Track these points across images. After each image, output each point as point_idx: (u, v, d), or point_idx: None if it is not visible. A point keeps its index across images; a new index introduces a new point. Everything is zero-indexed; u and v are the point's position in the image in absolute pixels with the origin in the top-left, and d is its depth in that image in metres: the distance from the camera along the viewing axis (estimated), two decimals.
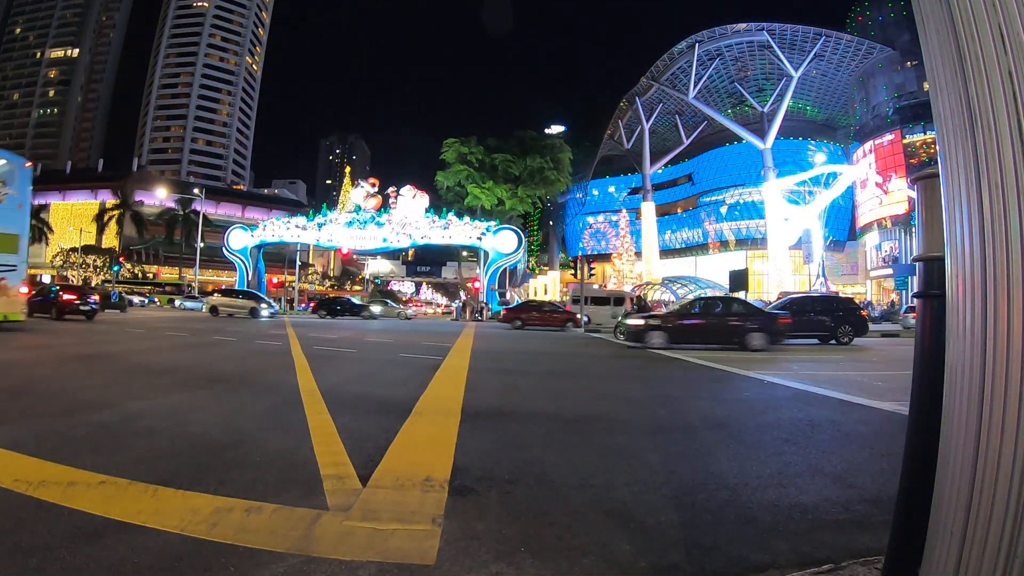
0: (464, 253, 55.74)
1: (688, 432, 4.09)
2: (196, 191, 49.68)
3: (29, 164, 12.19)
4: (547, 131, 47.67)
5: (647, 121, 50.57)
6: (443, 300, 73.65)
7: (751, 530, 2.24)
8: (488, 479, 2.81)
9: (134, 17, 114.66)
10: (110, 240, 53.98)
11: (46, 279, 51.53)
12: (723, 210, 54.18)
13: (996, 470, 1.13)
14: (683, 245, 58.99)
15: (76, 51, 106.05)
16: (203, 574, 1.78)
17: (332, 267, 68.58)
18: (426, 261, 62.89)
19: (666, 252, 56.28)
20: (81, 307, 17.51)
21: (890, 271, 42.79)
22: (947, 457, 1.28)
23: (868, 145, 44.85)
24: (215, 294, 29.21)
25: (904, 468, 1.55)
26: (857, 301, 27.37)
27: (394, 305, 35.13)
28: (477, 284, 37.82)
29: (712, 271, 50.28)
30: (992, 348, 1.15)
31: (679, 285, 40.58)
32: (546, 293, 66.27)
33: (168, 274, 55.34)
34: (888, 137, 43.76)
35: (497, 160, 43.77)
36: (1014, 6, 1.10)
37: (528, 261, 54.81)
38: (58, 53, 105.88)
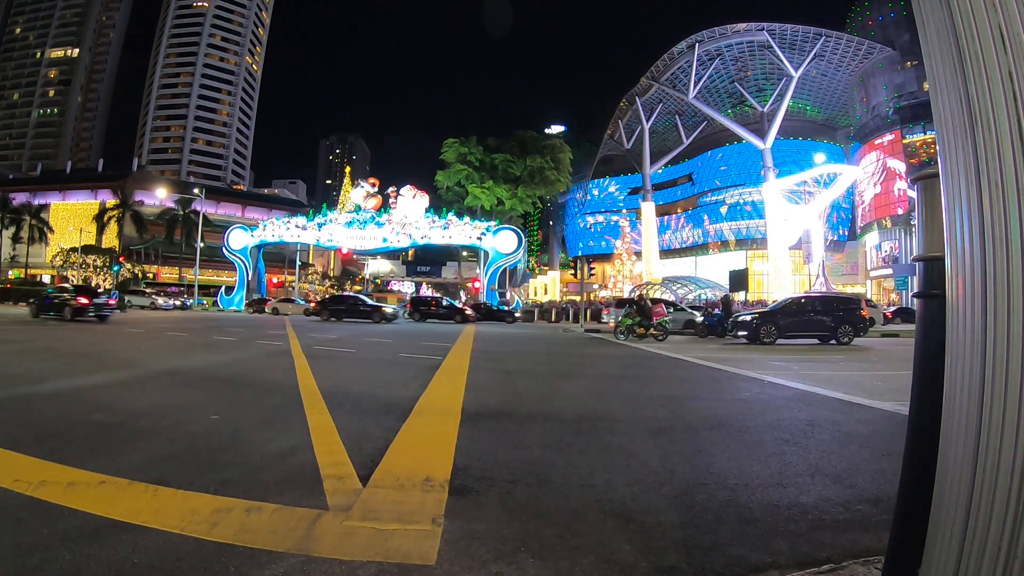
0: (464, 253, 55.69)
1: (688, 432, 4.09)
2: (196, 191, 49.64)
3: None
4: (547, 131, 47.62)
5: (647, 121, 50.51)
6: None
7: (751, 530, 2.24)
8: (488, 479, 2.81)
9: (134, 17, 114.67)
10: (110, 240, 53.88)
11: (46, 279, 51.65)
12: (723, 210, 54.14)
13: (996, 470, 1.12)
14: (683, 245, 58.94)
15: (76, 51, 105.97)
16: (203, 574, 1.78)
17: (332, 267, 68.56)
18: (426, 261, 62.79)
19: (666, 252, 56.21)
20: None
21: (890, 271, 42.77)
22: (947, 457, 1.28)
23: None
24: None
25: (904, 468, 1.55)
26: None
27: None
28: (477, 284, 37.81)
29: (712, 271, 50.23)
30: (992, 348, 1.15)
31: (679, 285, 40.56)
32: (546, 293, 66.26)
33: (168, 274, 55.33)
34: (888, 137, 43.74)
35: (497, 160, 43.75)
36: (1014, 6, 1.10)
37: (528, 261, 54.75)
38: (58, 53, 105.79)
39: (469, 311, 27.63)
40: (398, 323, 23.90)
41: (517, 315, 30.73)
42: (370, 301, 26.78)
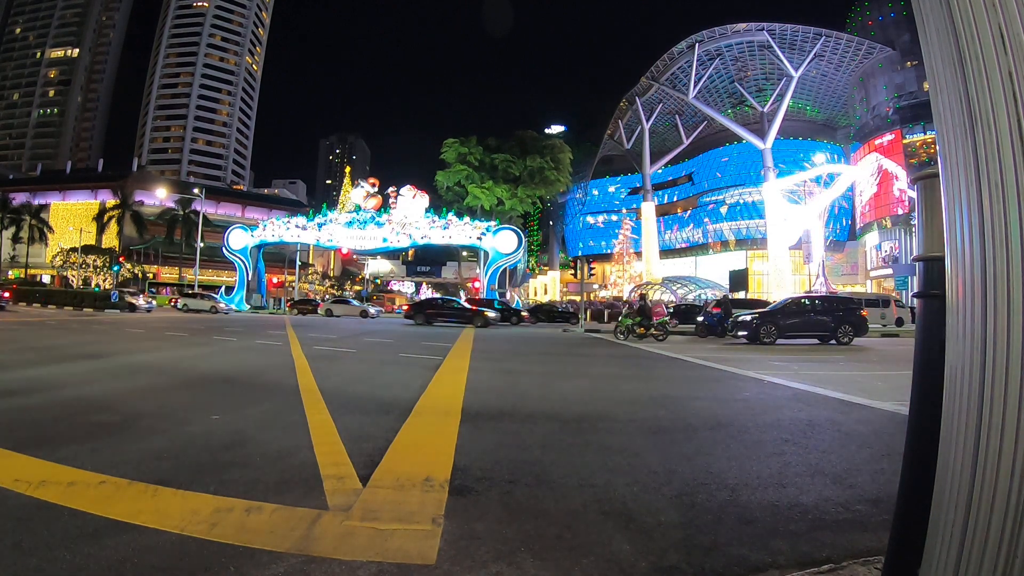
0: (464, 253, 55.72)
1: (688, 432, 4.09)
2: (196, 191, 49.64)
3: None
4: (547, 131, 47.72)
5: (647, 121, 50.53)
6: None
7: (751, 530, 2.24)
8: (488, 479, 2.81)
9: (134, 17, 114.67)
10: (110, 240, 53.88)
11: (46, 279, 51.65)
12: (723, 210, 54.15)
13: (996, 470, 1.12)
14: (683, 245, 58.98)
15: (76, 51, 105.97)
16: (203, 574, 1.78)
17: (332, 267, 68.57)
18: (426, 261, 62.85)
19: (666, 252, 56.23)
20: None
21: (890, 271, 42.77)
22: (947, 457, 1.28)
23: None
24: None
25: (904, 468, 1.55)
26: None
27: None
28: (477, 284, 37.83)
29: (712, 271, 50.25)
30: (992, 348, 1.15)
31: (679, 285, 40.59)
32: (546, 293, 66.33)
33: (168, 274, 55.32)
34: (888, 137, 43.75)
35: (497, 160, 43.78)
36: (1014, 6, 1.10)
37: (528, 261, 54.77)
38: (58, 53, 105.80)
39: (526, 313, 26.20)
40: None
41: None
42: (470, 304, 24.91)
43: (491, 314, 22.63)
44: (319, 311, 31.29)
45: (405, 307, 28.92)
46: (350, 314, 29.65)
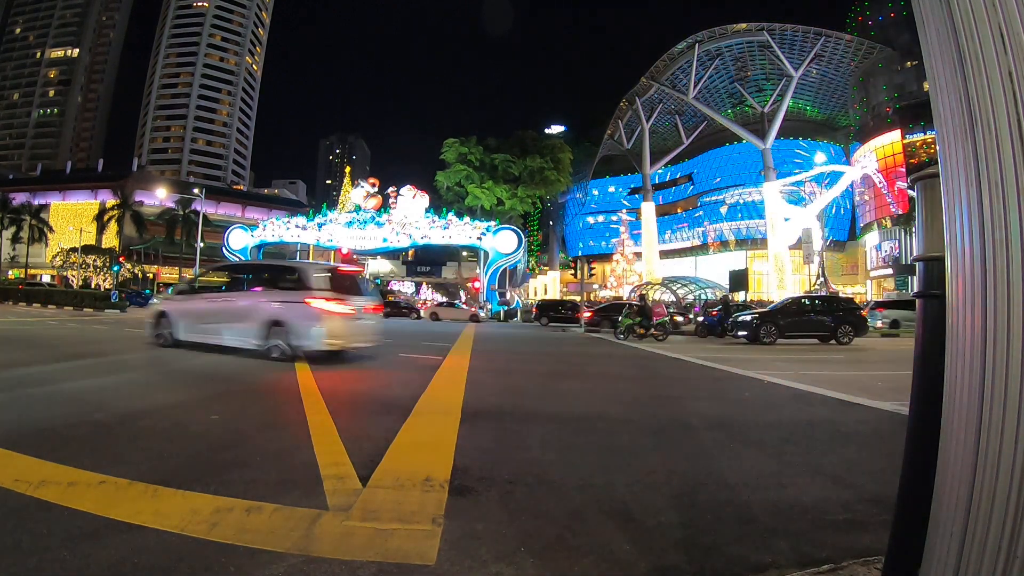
0: (464, 253, 55.73)
1: (688, 432, 4.09)
2: (196, 191, 49.63)
3: None
4: (547, 131, 47.66)
5: (647, 121, 50.51)
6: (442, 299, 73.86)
7: (751, 530, 2.24)
8: (488, 479, 2.81)
9: (134, 17, 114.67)
10: (110, 240, 53.86)
11: (46, 279, 51.61)
12: (723, 210, 54.14)
13: (996, 470, 1.12)
14: (683, 245, 58.97)
15: (76, 51, 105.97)
16: (203, 574, 1.78)
17: None
18: (426, 261, 62.85)
19: (666, 252, 56.22)
20: None
21: (890, 271, 42.80)
22: (947, 457, 1.28)
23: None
24: None
25: (904, 468, 1.54)
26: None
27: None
28: (477, 284, 37.84)
29: (712, 271, 50.24)
30: (992, 348, 1.15)
31: (679, 285, 40.58)
32: (546, 293, 66.28)
33: (168, 274, 55.32)
34: (888, 137, 43.75)
35: (497, 160, 43.81)
36: (1014, 6, 1.10)
37: (528, 261, 54.81)
38: (58, 53, 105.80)
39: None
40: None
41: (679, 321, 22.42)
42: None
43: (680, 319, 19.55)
44: (421, 314, 29.70)
45: (588, 314, 22.61)
46: (458, 318, 27.97)
